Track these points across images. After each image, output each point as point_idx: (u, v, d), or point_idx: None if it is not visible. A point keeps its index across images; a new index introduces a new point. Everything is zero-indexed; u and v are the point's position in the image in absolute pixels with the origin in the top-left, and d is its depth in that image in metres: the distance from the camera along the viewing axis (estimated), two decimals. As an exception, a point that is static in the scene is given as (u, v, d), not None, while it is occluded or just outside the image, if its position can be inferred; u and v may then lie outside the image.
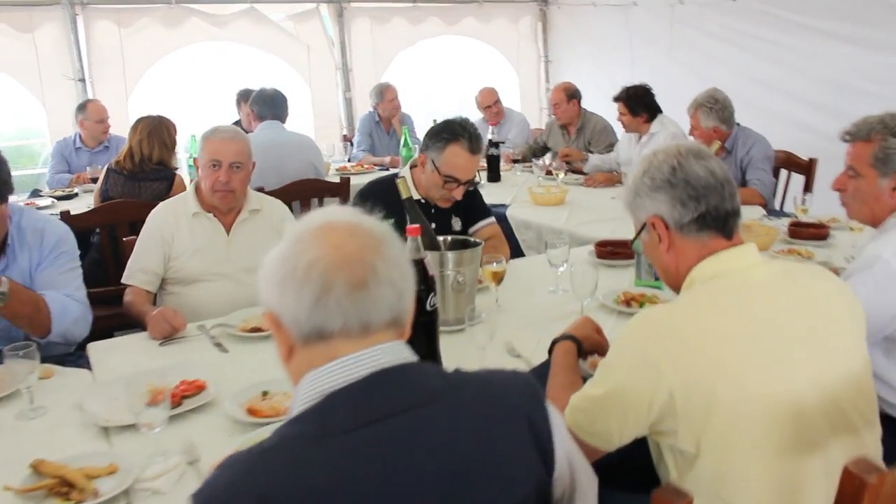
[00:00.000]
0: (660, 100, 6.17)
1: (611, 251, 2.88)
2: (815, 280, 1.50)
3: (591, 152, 5.09)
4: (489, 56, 7.27)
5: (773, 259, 1.54)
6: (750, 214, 3.51)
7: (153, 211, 2.66)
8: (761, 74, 5.53)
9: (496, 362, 1.94)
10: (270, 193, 3.74)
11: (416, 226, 1.87)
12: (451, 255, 2.18)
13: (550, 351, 1.81)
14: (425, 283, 1.83)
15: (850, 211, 2.17)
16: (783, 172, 4.32)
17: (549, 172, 4.54)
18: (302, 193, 3.87)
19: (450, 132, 2.65)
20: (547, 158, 5.20)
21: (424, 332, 1.87)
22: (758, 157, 3.85)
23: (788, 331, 1.36)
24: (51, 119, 5.54)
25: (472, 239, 2.29)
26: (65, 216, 3.26)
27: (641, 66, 6.42)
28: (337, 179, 4.62)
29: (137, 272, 2.56)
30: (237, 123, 5.38)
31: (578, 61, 7.10)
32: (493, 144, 4.64)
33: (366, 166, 5.28)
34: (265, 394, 1.84)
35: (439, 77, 7.17)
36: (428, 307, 1.84)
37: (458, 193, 2.72)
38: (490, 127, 5.74)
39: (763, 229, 3.10)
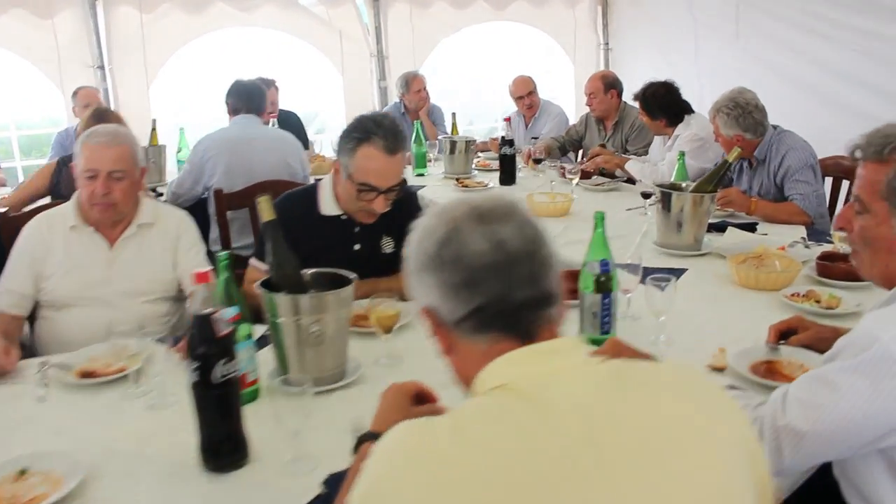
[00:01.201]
0: (720, 93, 5.50)
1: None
2: (665, 396, 0.97)
3: (628, 151, 4.49)
4: (542, 44, 6.70)
5: (606, 360, 0.99)
6: (791, 235, 2.91)
7: (29, 221, 2.34)
8: (839, 65, 4.74)
9: (325, 447, 1.49)
10: (232, 195, 3.44)
11: (206, 271, 1.45)
12: (305, 299, 1.73)
13: (355, 450, 1.32)
14: (213, 347, 1.41)
15: (857, 262, 1.53)
16: (833, 183, 3.62)
17: (563, 174, 3.97)
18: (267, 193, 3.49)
19: (361, 131, 2.21)
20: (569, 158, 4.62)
21: (216, 409, 1.45)
22: (795, 166, 3.19)
23: (600, 476, 0.87)
24: (71, 108, 5.41)
25: (345, 274, 1.82)
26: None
27: (705, 56, 5.72)
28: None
29: (3, 293, 2.25)
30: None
31: (640, 50, 6.43)
32: (507, 142, 4.13)
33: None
34: (21, 473, 1.47)
35: (486, 67, 6.65)
36: (217, 377, 1.41)
37: (380, 205, 2.27)
38: (522, 121, 5.25)
39: (783, 261, 2.47)
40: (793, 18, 5.00)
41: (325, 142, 5.26)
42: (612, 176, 4.18)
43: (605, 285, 1.89)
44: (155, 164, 4.24)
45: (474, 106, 6.95)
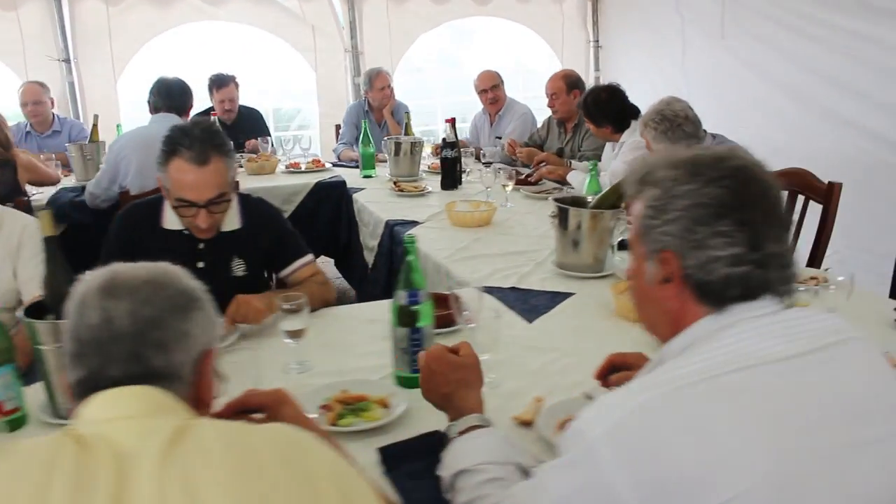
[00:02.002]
0: (710, 96, 5.21)
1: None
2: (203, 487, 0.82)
3: (581, 153, 4.25)
4: (528, 40, 6.44)
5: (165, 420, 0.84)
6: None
7: None
8: (829, 70, 4.39)
9: None
10: (133, 196, 3.30)
11: None
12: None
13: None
14: None
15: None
16: (799, 199, 3.32)
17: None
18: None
19: (169, 143, 2.07)
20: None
21: None
22: None
23: None
24: (35, 99, 5.36)
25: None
26: None
27: (693, 56, 5.41)
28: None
29: None
30: (208, 111, 4.97)
31: (631, 48, 6.14)
32: (448, 145, 3.92)
33: (327, 164, 4.67)
34: None
35: (468, 64, 6.43)
36: None
37: (202, 220, 2.11)
38: (487, 120, 5.03)
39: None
40: (780, 18, 4.67)
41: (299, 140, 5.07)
42: (564, 182, 3.94)
43: (411, 318, 1.69)
44: (92, 160, 4.12)
45: (457, 104, 6.73)
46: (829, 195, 3.12)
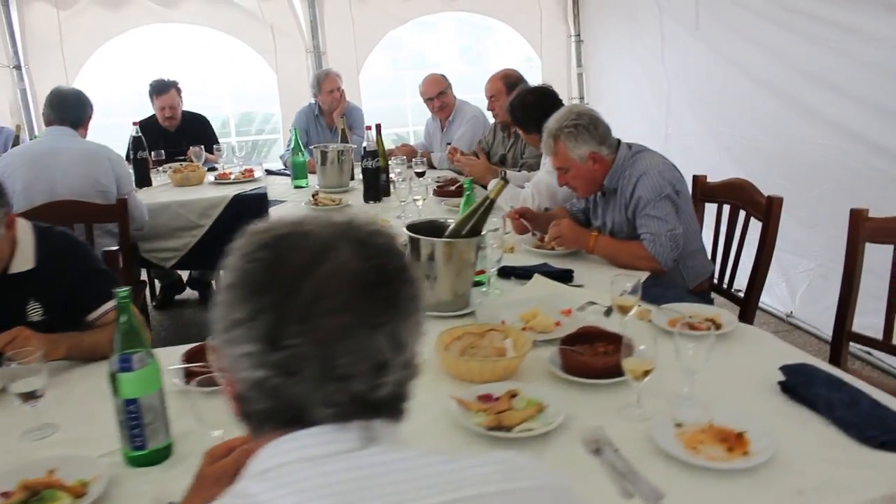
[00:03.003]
0: (686, 90, 4.80)
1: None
2: None
3: (523, 160, 3.91)
4: (502, 35, 6.09)
5: None
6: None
7: None
8: (808, 64, 3.95)
9: None
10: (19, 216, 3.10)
11: None
12: None
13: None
14: None
15: None
16: (741, 215, 2.95)
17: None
18: (63, 216, 3.14)
19: None
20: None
21: None
22: (646, 197, 2.58)
23: None
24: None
25: None
26: None
27: (671, 48, 5.00)
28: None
29: None
30: (151, 119, 4.78)
31: (613, 41, 5.74)
32: (369, 154, 3.63)
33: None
34: None
35: (440, 62, 6.11)
36: None
37: None
38: (438, 125, 4.72)
39: (519, 341, 1.93)
40: (755, 8, 4.24)
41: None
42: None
43: (124, 387, 1.42)
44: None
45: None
46: (769, 211, 2.74)
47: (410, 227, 2.21)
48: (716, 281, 2.97)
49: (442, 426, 1.59)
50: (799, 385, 1.65)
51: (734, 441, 1.47)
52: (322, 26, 5.64)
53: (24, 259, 2.03)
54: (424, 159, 4.29)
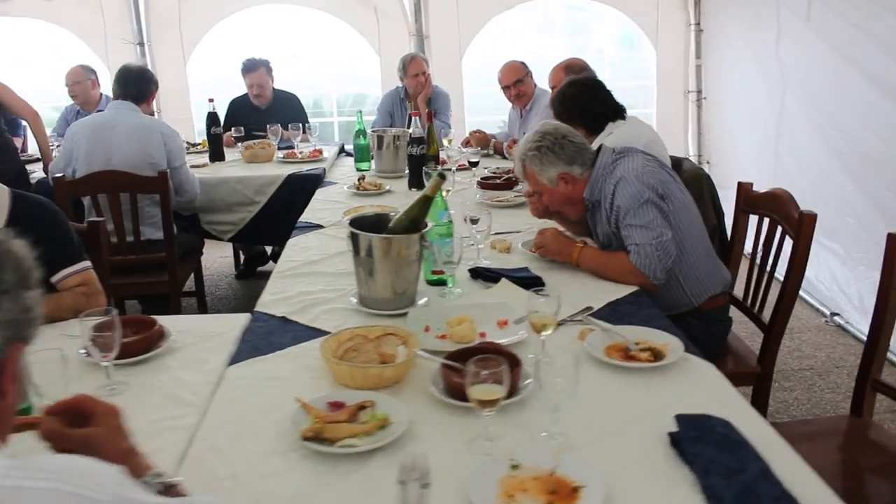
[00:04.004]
0: (799, 87, 4.30)
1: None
2: None
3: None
4: (614, 23, 5.73)
5: None
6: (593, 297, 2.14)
7: None
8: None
9: None
10: (73, 182, 3.32)
11: None
12: None
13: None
14: None
15: None
16: (779, 231, 2.58)
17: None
18: (108, 186, 3.34)
19: None
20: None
21: None
22: (626, 205, 2.31)
23: None
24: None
25: None
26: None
27: (786, 40, 4.48)
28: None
29: None
30: (244, 97, 4.96)
31: (733, 31, 5.23)
32: (415, 140, 3.53)
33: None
34: None
35: (546, 50, 5.84)
36: None
37: None
38: (518, 114, 4.54)
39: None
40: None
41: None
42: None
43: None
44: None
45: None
46: (800, 228, 2.37)
47: (354, 221, 2.10)
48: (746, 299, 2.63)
49: (281, 427, 1.49)
50: (686, 440, 1.39)
51: (564, 496, 1.27)
52: (426, 9, 5.59)
53: None
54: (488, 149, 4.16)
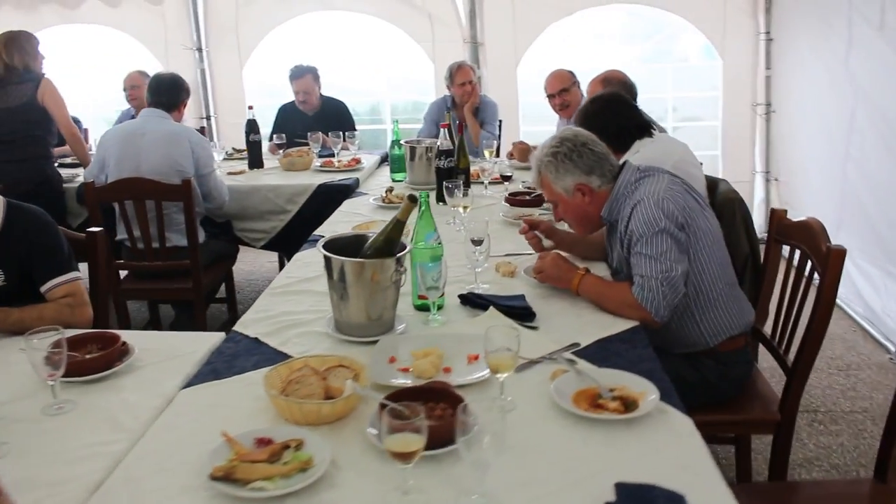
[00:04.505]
0: (869, 103, 3.98)
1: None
2: None
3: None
4: (678, 32, 5.46)
5: None
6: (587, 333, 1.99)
7: None
8: None
9: None
10: (100, 189, 3.36)
11: None
12: None
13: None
14: None
15: None
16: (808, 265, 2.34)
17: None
18: (133, 192, 3.36)
19: None
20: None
21: None
22: (638, 231, 2.14)
23: None
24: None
25: None
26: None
27: (857, 51, 4.14)
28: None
29: None
30: (291, 103, 4.97)
31: (804, 40, 4.89)
32: (442, 153, 3.42)
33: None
34: None
35: (604, 59, 5.62)
36: None
37: None
38: (563, 124, 4.37)
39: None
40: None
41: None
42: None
43: None
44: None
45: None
46: (826, 262, 2.15)
47: (328, 243, 2.00)
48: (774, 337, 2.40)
49: (203, 462, 1.40)
50: (622, 511, 1.23)
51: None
52: (481, 16, 5.48)
53: None
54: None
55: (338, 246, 1.99)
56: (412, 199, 1.95)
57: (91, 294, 2.54)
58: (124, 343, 1.90)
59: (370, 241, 1.99)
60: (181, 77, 3.77)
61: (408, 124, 6.28)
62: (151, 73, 4.96)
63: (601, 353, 1.88)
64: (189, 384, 1.78)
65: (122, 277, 3.58)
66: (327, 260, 1.95)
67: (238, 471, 1.35)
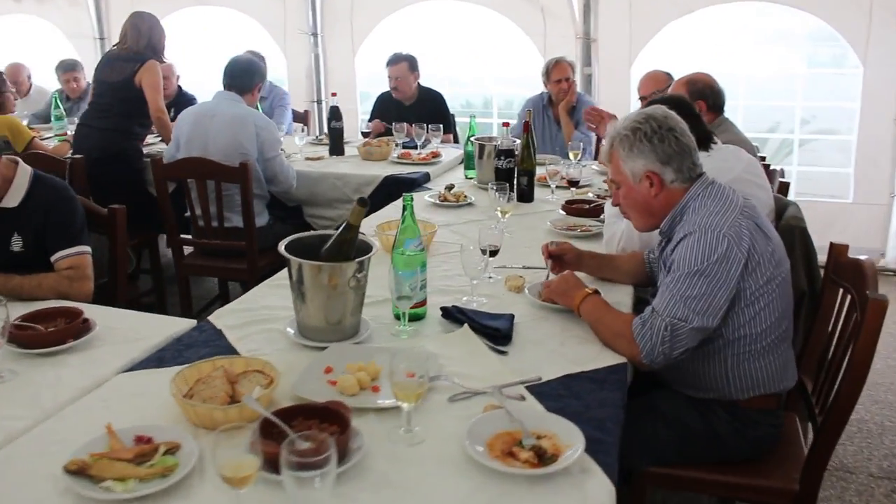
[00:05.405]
0: None
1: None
2: None
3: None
4: (811, 34, 4.91)
5: None
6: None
7: None
8: None
9: None
10: (167, 166, 3.47)
11: None
12: None
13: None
14: None
15: None
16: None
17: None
18: (195, 172, 3.46)
19: None
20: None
21: None
22: (679, 260, 1.85)
23: None
24: (290, 70, 5.96)
25: None
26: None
27: None
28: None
29: None
30: (389, 93, 4.93)
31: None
32: (502, 153, 3.26)
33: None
34: None
35: (725, 60, 5.15)
36: None
37: None
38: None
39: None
40: None
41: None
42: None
43: None
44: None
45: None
46: (864, 310, 1.82)
47: (290, 244, 1.91)
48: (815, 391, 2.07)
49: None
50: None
51: None
52: (596, 11, 5.19)
53: (14, 197, 2.32)
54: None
55: (302, 245, 1.91)
56: (361, 203, 1.83)
57: (109, 269, 2.63)
58: (86, 320, 1.91)
59: (328, 244, 1.88)
60: (257, 61, 3.82)
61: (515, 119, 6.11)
62: (263, 55, 5.14)
63: (560, 390, 1.68)
64: (130, 369, 1.77)
65: (185, 254, 3.70)
66: (287, 261, 1.87)
67: (94, 467, 1.31)
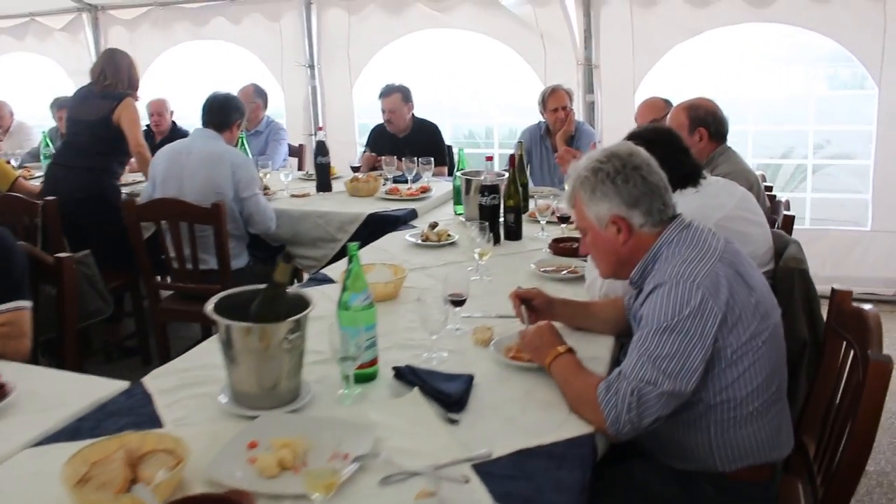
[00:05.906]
0: None
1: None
2: None
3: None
4: (823, 55, 4.69)
5: None
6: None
7: None
8: None
9: None
10: (141, 207, 3.34)
11: None
12: None
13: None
14: None
15: None
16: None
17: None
18: (167, 213, 3.31)
19: None
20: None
21: None
22: (648, 316, 1.65)
23: None
24: (287, 102, 5.86)
25: None
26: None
27: None
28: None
29: None
30: (383, 125, 4.79)
31: None
32: (486, 188, 3.08)
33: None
34: None
35: (733, 85, 4.94)
36: None
37: None
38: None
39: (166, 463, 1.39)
40: None
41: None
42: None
43: None
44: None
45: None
46: (865, 371, 1.59)
47: (220, 301, 1.74)
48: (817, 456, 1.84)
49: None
50: None
51: None
52: (597, 37, 5.02)
53: None
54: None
55: (230, 303, 1.73)
56: (286, 259, 1.65)
57: (57, 322, 2.47)
58: (2, 385, 1.75)
59: (255, 302, 1.70)
60: (236, 97, 3.69)
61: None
62: (265, 91, 5.04)
63: (510, 468, 1.47)
64: (39, 443, 1.59)
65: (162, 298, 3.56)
66: (213, 320, 1.69)
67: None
